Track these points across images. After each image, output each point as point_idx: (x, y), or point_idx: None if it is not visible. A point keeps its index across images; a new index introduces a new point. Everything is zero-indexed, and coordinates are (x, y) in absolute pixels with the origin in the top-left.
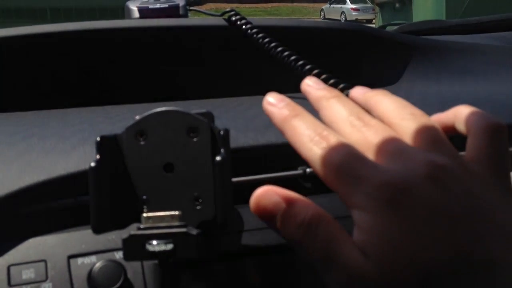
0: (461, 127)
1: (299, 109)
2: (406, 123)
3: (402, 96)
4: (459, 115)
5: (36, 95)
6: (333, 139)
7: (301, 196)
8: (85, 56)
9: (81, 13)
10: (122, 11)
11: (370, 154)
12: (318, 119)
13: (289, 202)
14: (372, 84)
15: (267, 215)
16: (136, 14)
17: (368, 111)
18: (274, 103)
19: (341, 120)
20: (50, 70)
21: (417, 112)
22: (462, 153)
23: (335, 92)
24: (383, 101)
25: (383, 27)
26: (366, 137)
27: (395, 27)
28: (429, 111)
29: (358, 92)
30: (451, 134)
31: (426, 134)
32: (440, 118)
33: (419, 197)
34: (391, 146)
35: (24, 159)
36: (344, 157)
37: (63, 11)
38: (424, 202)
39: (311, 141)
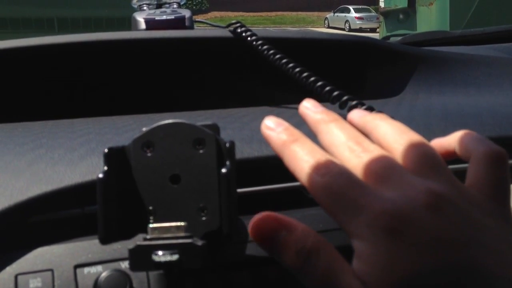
0: (462, 152)
1: (297, 134)
2: (405, 149)
3: (405, 108)
4: (460, 140)
5: (44, 105)
6: (332, 166)
7: (301, 223)
8: (92, 67)
9: (88, 23)
10: (128, 22)
11: (368, 181)
12: (316, 143)
13: (289, 228)
14: (376, 95)
15: (266, 241)
16: (142, 25)
17: (366, 135)
18: (272, 127)
19: (339, 145)
20: (58, 81)
21: (416, 137)
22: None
23: (333, 115)
24: (382, 125)
25: (387, 38)
26: (364, 163)
27: (399, 38)
28: (433, 123)
29: (357, 115)
30: (452, 158)
31: (425, 160)
32: (441, 143)
33: (419, 226)
34: (390, 173)
35: (33, 169)
36: (344, 185)
37: (71, 21)
38: (423, 232)
39: (310, 167)
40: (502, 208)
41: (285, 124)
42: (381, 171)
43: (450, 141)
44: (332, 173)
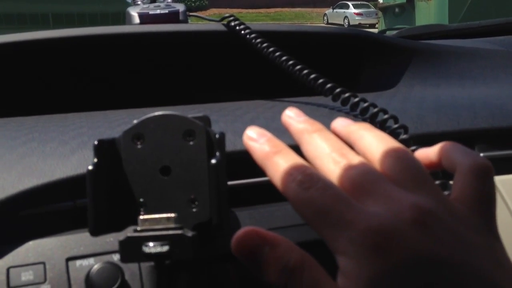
0: (447, 164)
1: (280, 145)
2: (389, 161)
3: (399, 100)
4: (446, 151)
5: (36, 100)
6: (316, 179)
7: (284, 238)
8: (85, 61)
9: (83, 19)
10: (123, 17)
11: (353, 194)
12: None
13: (272, 244)
14: (370, 88)
15: (249, 257)
16: (136, 20)
17: (350, 145)
18: (255, 138)
19: (323, 157)
20: (51, 76)
21: (402, 149)
22: (446, 192)
23: (317, 125)
24: (366, 136)
25: (383, 31)
26: (349, 176)
27: (395, 32)
28: (426, 115)
29: (341, 124)
30: (437, 169)
31: (411, 173)
32: (427, 153)
33: (404, 243)
34: (375, 187)
35: (24, 163)
36: (329, 199)
37: (65, 16)
38: (408, 250)
39: (293, 180)
40: (488, 223)
41: (268, 134)
42: (366, 184)
43: (435, 152)
44: (316, 187)
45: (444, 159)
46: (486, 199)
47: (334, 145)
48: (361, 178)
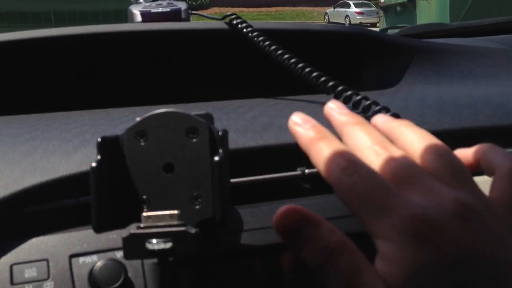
0: (486, 166)
1: (325, 132)
2: (431, 156)
3: (401, 98)
4: (485, 153)
5: (39, 98)
6: (360, 166)
7: (325, 220)
8: (87, 59)
9: (85, 17)
10: (125, 15)
11: (395, 185)
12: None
13: (315, 224)
14: (372, 86)
15: (289, 234)
16: (138, 18)
17: (391, 140)
18: (300, 123)
19: (365, 148)
20: (53, 74)
21: (443, 146)
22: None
23: (358, 118)
24: (408, 132)
25: (385, 30)
26: (391, 168)
27: (397, 30)
28: (427, 113)
29: (381, 120)
30: (475, 170)
31: (452, 169)
32: (465, 154)
33: (446, 234)
34: (417, 179)
35: (27, 160)
36: (373, 186)
37: (67, 14)
38: (451, 240)
39: (337, 166)
40: None
41: (313, 121)
42: (408, 176)
43: (473, 152)
44: (359, 173)
45: (483, 161)
46: None
47: (376, 138)
48: (403, 170)
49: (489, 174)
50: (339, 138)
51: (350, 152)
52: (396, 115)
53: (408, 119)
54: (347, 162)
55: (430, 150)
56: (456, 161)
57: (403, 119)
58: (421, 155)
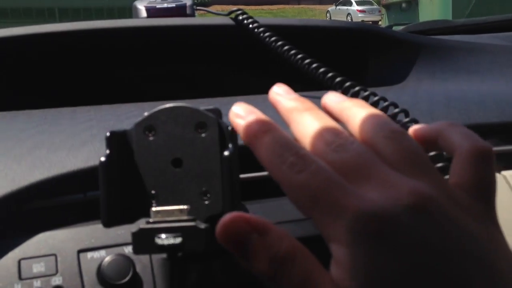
0: (445, 145)
1: (270, 124)
2: (386, 142)
3: (408, 94)
4: (444, 132)
5: (45, 93)
6: (309, 162)
7: (274, 225)
8: (93, 55)
9: (89, 13)
10: (129, 11)
11: (347, 178)
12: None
13: (260, 231)
14: (379, 82)
15: (235, 245)
16: (143, 13)
17: (342, 123)
18: (242, 115)
19: (315, 137)
20: (57, 69)
21: (398, 129)
22: (446, 176)
23: (307, 103)
24: (360, 114)
25: (390, 27)
26: (343, 159)
27: (402, 27)
28: (436, 109)
29: (333, 100)
30: (433, 150)
31: (408, 156)
32: (423, 132)
33: (402, 230)
34: (371, 170)
35: (34, 155)
36: (322, 183)
37: (71, 11)
38: (407, 237)
39: (283, 162)
40: (489, 209)
41: (257, 111)
42: (361, 168)
43: (432, 131)
44: (309, 170)
45: (441, 140)
46: (487, 185)
47: (327, 126)
48: (355, 161)
49: (448, 154)
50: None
51: (297, 145)
52: (405, 112)
53: (417, 115)
54: (295, 157)
55: (385, 134)
56: (413, 145)
57: (356, 99)
58: (375, 140)
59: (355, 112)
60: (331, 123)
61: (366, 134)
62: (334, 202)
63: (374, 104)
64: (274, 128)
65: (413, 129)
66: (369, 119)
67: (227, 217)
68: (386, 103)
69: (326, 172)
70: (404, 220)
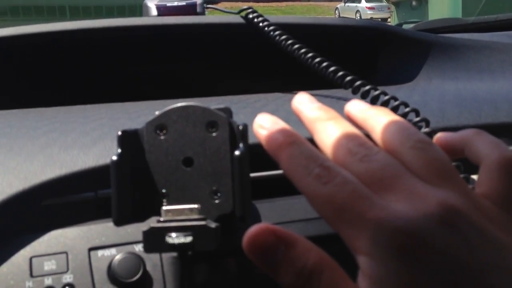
0: (472, 154)
1: (294, 135)
2: (412, 152)
3: (419, 93)
4: (471, 141)
5: (56, 91)
6: (335, 173)
7: (302, 237)
8: (103, 53)
9: (100, 11)
10: (140, 9)
11: (374, 189)
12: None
13: (287, 243)
14: (389, 81)
15: (262, 257)
16: (154, 12)
17: (367, 132)
18: (267, 127)
19: (339, 147)
20: (70, 67)
21: (425, 139)
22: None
23: (331, 113)
24: (385, 122)
25: (400, 25)
26: (368, 170)
27: (412, 25)
28: (447, 108)
29: (356, 109)
30: (459, 158)
31: (435, 167)
32: (448, 140)
33: (432, 245)
34: (397, 181)
35: (46, 153)
36: (347, 195)
37: (82, 9)
38: (437, 252)
39: (309, 174)
40: None
41: (281, 122)
42: (387, 178)
43: (457, 139)
44: (334, 182)
45: (468, 150)
46: None
47: (351, 135)
48: (381, 171)
49: (475, 163)
50: (310, 136)
51: (322, 156)
52: (415, 111)
53: (428, 114)
54: (320, 168)
55: (410, 144)
56: (440, 155)
57: (380, 107)
58: (401, 150)
59: (379, 120)
60: (355, 132)
61: (392, 144)
62: (360, 214)
63: (385, 103)
64: (299, 139)
65: (438, 137)
66: (395, 128)
67: (254, 228)
68: (397, 102)
69: (351, 184)
70: (433, 235)
